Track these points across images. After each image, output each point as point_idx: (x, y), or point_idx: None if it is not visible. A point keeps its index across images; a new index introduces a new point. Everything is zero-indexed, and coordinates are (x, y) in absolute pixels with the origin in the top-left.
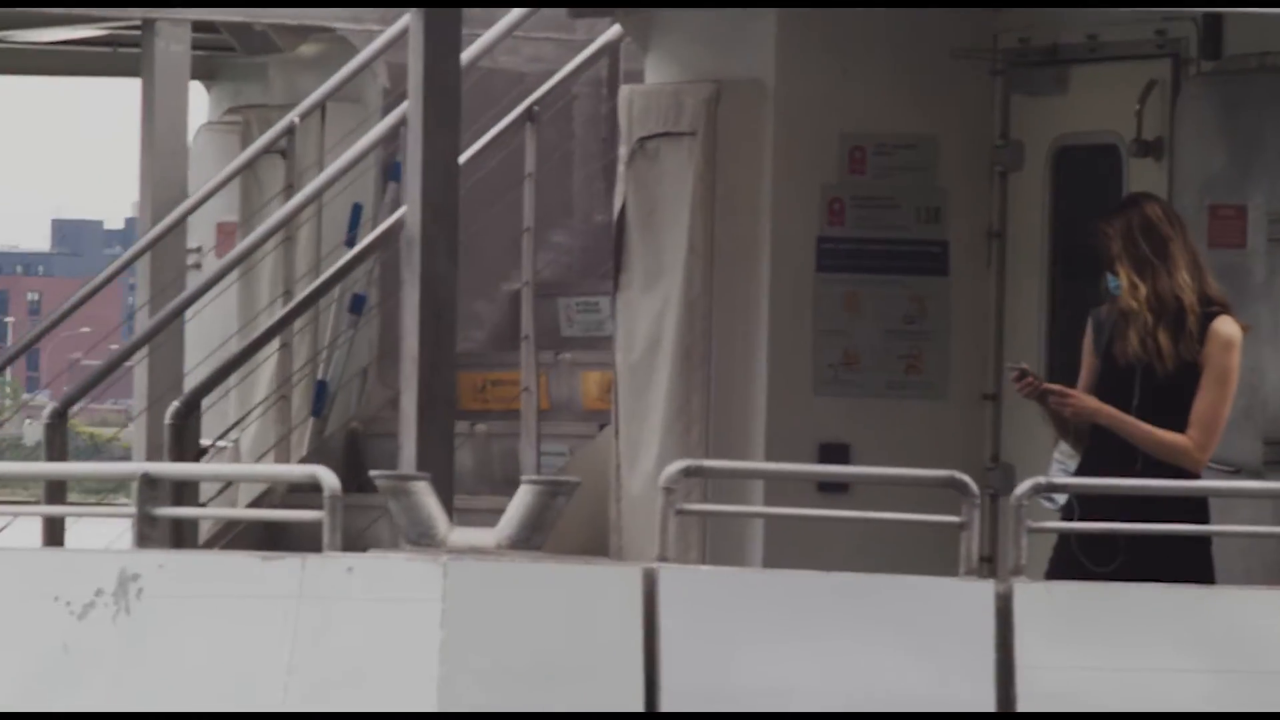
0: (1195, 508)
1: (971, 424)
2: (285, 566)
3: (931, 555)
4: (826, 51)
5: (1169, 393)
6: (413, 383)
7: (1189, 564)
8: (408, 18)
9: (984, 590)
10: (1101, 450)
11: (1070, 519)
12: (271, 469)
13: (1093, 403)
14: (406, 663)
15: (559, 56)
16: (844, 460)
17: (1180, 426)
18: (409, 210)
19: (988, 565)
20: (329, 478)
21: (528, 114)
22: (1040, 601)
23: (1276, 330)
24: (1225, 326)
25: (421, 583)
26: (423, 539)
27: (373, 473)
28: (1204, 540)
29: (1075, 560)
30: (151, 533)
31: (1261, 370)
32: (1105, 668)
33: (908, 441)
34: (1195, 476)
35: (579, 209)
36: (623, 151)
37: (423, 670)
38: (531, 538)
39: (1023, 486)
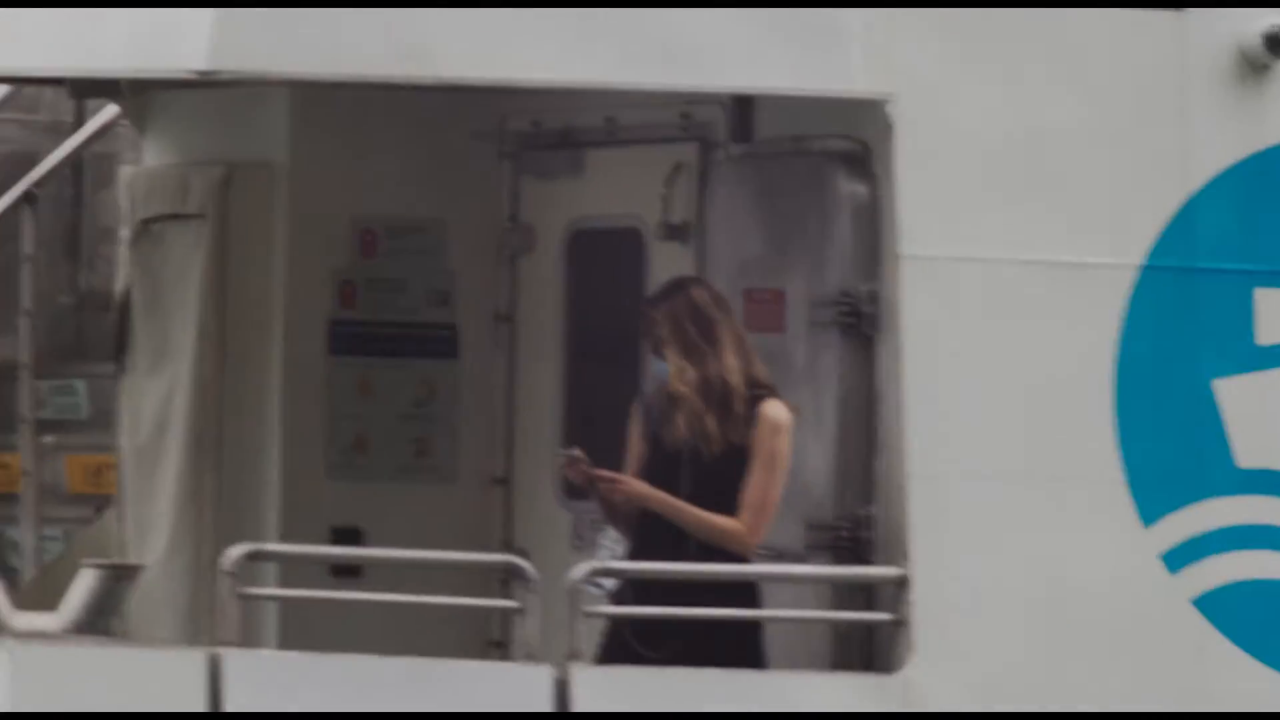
0: (746, 592)
1: (482, 508)
2: None
3: (452, 639)
4: (340, 132)
5: (717, 477)
6: None
7: (740, 649)
8: None
9: (542, 674)
10: (650, 534)
11: (621, 604)
12: None
13: (642, 488)
14: None
15: (22, 138)
16: (357, 545)
17: (729, 510)
18: None
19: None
20: None
21: (26, 196)
22: (598, 685)
23: (818, 415)
24: (773, 410)
25: None
26: None
27: None
28: (755, 625)
29: (627, 645)
30: None
31: (802, 454)
32: None
33: (419, 526)
34: (745, 560)
35: (41, 291)
36: (125, 234)
37: None
38: (97, 621)
39: (579, 570)
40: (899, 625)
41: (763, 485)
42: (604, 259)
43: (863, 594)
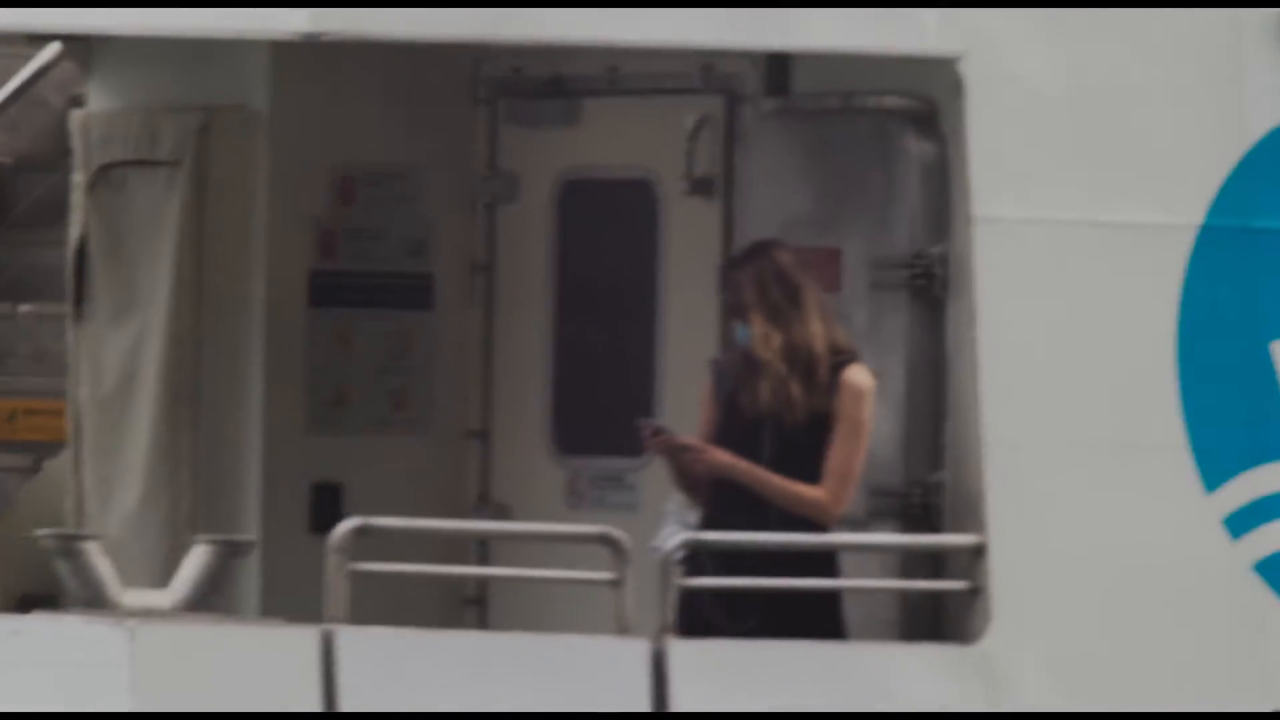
0: (827, 562)
1: (457, 461)
2: None
3: (428, 599)
4: (319, 78)
5: (799, 445)
6: None
7: (822, 619)
8: None
9: (639, 648)
10: (729, 503)
11: (699, 575)
12: None
13: (727, 458)
14: None
15: None
16: (336, 501)
17: (811, 478)
18: None
19: None
20: None
21: None
22: (693, 658)
23: (883, 379)
24: (856, 376)
25: (105, 647)
26: (94, 601)
27: (40, 532)
28: (836, 596)
29: (705, 618)
30: None
31: None
32: None
33: (395, 480)
34: (826, 530)
35: None
36: (78, 179)
37: None
38: (208, 599)
39: (673, 543)
40: (975, 594)
41: (846, 453)
42: (604, 211)
43: (930, 562)
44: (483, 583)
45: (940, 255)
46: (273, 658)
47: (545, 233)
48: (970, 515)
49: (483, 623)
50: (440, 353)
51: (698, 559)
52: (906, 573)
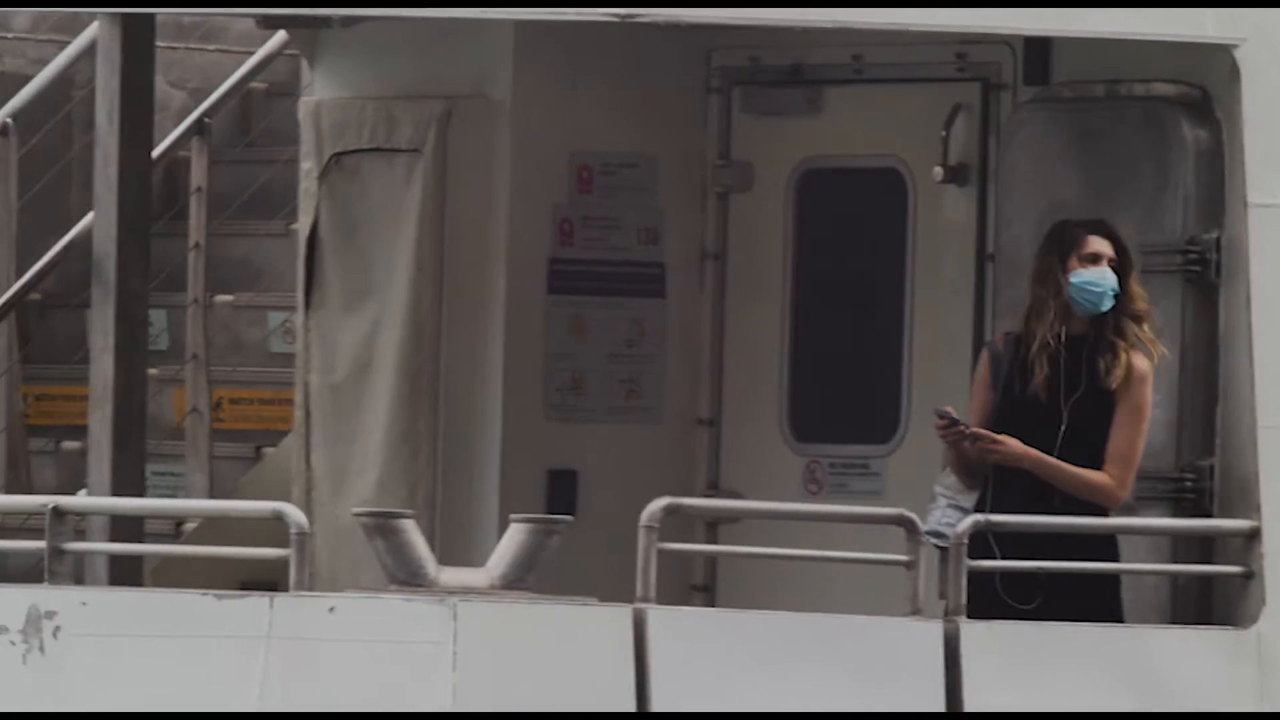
0: (1109, 546)
1: (687, 449)
2: (248, 606)
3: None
4: (556, 66)
5: (1087, 426)
6: (107, 405)
7: (1103, 601)
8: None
9: (933, 630)
10: (1010, 487)
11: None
12: (228, 505)
13: (1021, 447)
14: (411, 707)
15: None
16: (573, 487)
17: (1092, 460)
18: (100, 227)
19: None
20: (295, 514)
21: (198, 125)
22: (985, 641)
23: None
24: (1140, 361)
25: (427, 624)
26: (412, 579)
27: (355, 510)
28: (1116, 579)
29: (996, 598)
30: (60, 569)
31: None
32: (1048, 707)
33: (630, 468)
34: (1107, 514)
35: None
36: (308, 167)
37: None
38: (525, 577)
39: (964, 525)
40: (1249, 578)
41: (1130, 437)
42: (849, 199)
43: (1200, 546)
44: (712, 569)
45: (1214, 241)
46: (588, 635)
47: (783, 221)
48: (1242, 500)
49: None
50: (671, 341)
51: (977, 541)
52: (1174, 557)
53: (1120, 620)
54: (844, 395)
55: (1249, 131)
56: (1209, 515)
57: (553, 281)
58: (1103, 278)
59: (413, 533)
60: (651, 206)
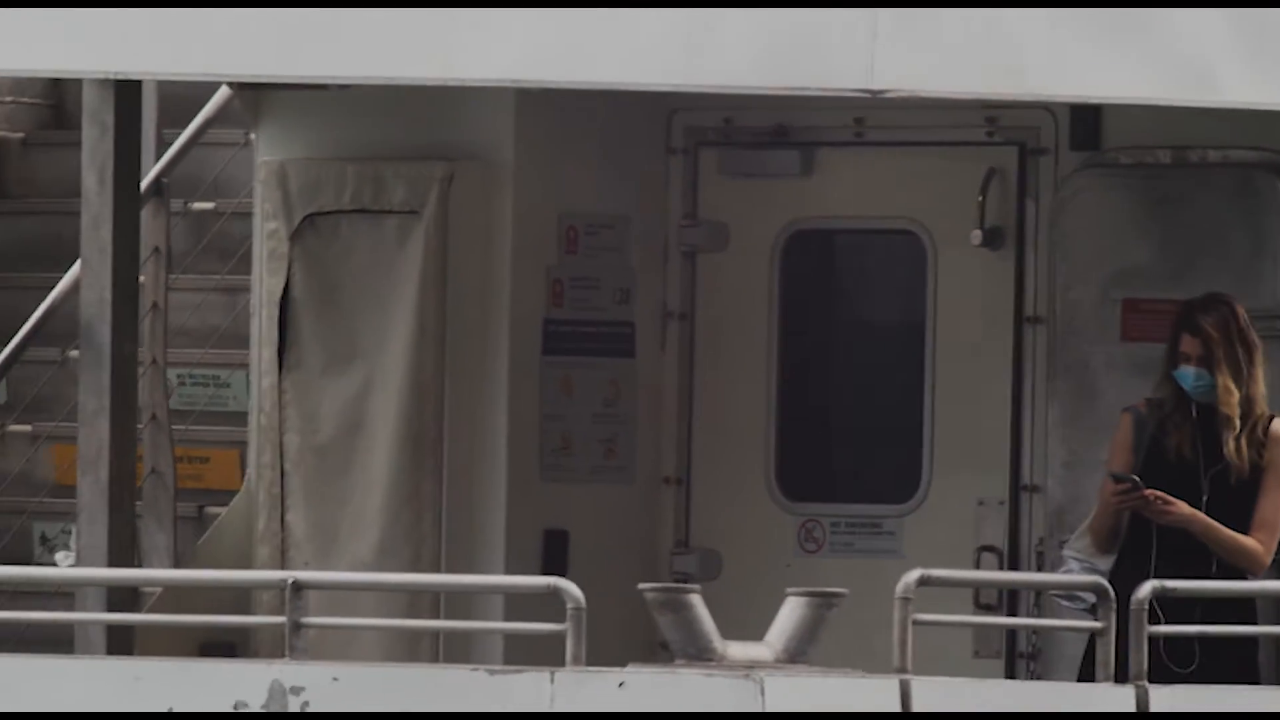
0: (1250, 609)
1: (656, 508)
2: (527, 680)
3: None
4: (551, 128)
5: (1237, 497)
6: (102, 468)
7: (1244, 663)
8: None
9: (1126, 695)
10: (1170, 553)
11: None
12: (505, 580)
13: (1189, 510)
14: None
15: None
16: (565, 548)
17: (1239, 529)
18: (90, 290)
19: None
20: (572, 589)
21: (155, 186)
22: (1171, 704)
23: None
24: None
25: (733, 699)
26: (701, 654)
27: (642, 585)
28: (1255, 641)
29: (1157, 661)
30: (298, 643)
31: None
32: None
33: (608, 527)
34: (1255, 578)
35: None
36: (273, 227)
37: None
38: (805, 650)
39: (1144, 590)
40: None
41: (1277, 503)
42: (847, 260)
43: None
44: None
45: None
46: (858, 706)
47: (767, 281)
48: None
49: None
50: (641, 400)
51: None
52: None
53: (1258, 681)
54: (847, 455)
55: None
56: None
57: (546, 342)
58: (1198, 378)
59: (700, 607)
60: (626, 266)
